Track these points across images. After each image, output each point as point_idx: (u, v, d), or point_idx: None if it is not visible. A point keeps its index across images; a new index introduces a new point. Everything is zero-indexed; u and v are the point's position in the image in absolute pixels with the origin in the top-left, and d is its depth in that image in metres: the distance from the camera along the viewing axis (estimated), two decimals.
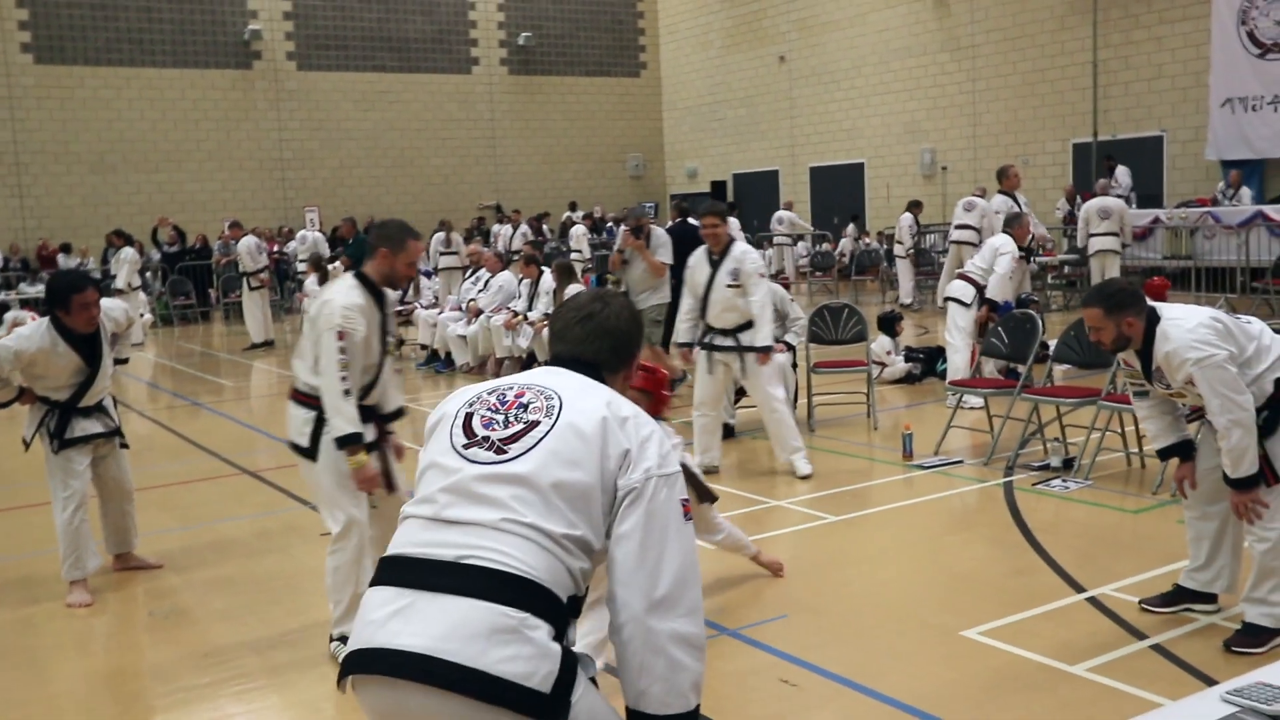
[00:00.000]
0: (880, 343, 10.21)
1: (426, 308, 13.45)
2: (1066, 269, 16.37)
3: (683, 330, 7.20)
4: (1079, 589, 4.80)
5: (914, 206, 17.52)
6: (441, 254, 16.85)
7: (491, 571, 2.09)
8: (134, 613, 5.22)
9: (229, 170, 24.20)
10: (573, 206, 25.79)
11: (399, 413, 4.62)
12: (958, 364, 8.68)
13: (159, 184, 23.43)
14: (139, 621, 5.10)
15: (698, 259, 7.10)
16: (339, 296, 4.25)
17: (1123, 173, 17.68)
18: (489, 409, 2.32)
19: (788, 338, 8.16)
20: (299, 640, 4.64)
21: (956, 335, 8.75)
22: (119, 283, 16.14)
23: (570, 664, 2.10)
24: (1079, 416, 7.26)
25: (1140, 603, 4.54)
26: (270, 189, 24.64)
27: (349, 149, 25.34)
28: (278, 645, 4.62)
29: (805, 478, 6.90)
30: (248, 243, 16.62)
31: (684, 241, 12.05)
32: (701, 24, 27.65)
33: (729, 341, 6.97)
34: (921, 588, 5.02)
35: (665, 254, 9.54)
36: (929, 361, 10.34)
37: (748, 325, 6.89)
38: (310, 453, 4.29)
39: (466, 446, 2.27)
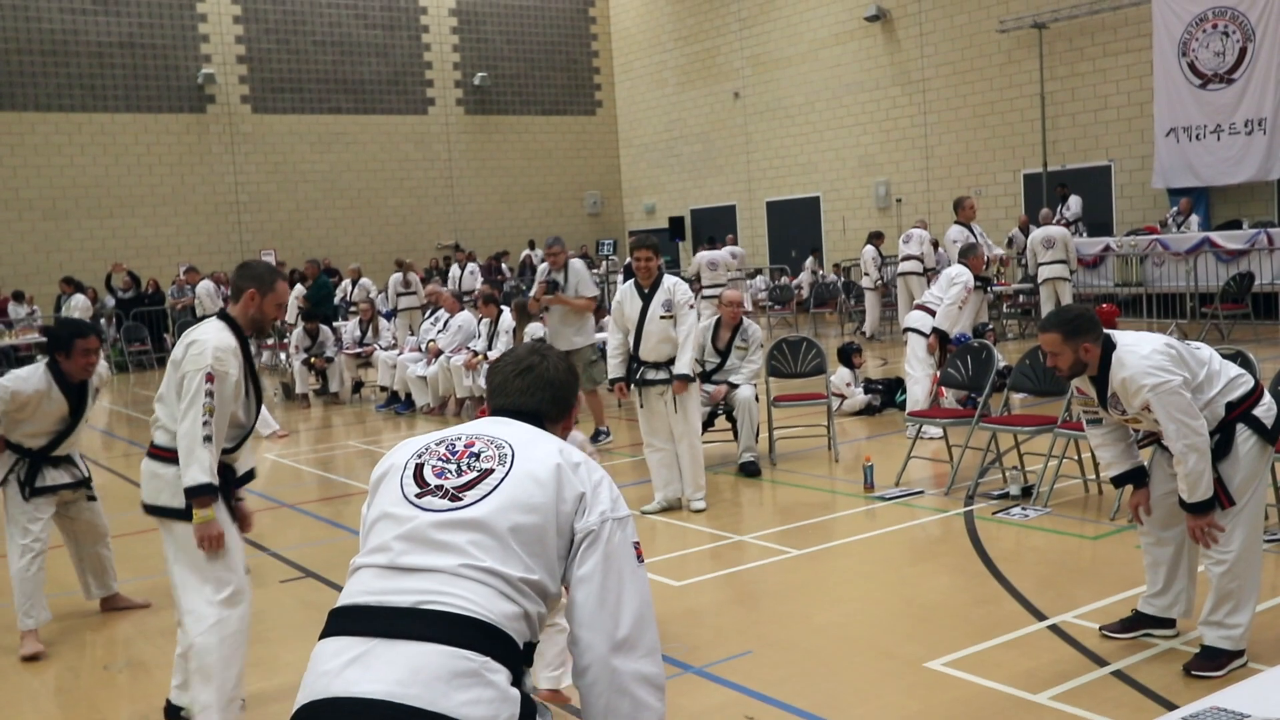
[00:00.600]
0: (840, 375, 10.28)
1: (386, 349, 13.39)
2: (1021, 298, 16.60)
3: (615, 366, 7.24)
4: (1040, 617, 4.83)
5: (875, 238, 17.71)
6: (400, 295, 16.80)
7: (451, 615, 2.08)
8: (89, 666, 5.11)
9: (184, 215, 24.04)
10: (531, 245, 25.80)
11: (250, 475, 4.38)
12: (917, 395, 8.75)
13: (112, 230, 23.22)
14: (94, 675, 5.00)
15: (627, 293, 7.17)
16: (210, 337, 3.93)
17: (1075, 201, 18.02)
18: (439, 459, 2.33)
19: (735, 378, 8.17)
20: (260, 691, 4.56)
21: (916, 366, 8.82)
22: None
23: (529, 709, 2.10)
24: (1037, 444, 7.33)
25: (1100, 629, 4.58)
26: (226, 232, 24.48)
27: (305, 191, 25.26)
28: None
29: (698, 511, 7.02)
30: (206, 286, 16.54)
31: None
32: (656, 62, 27.92)
33: (662, 374, 7.01)
34: (885, 619, 5.04)
35: (587, 286, 9.50)
36: (888, 393, 10.42)
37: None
38: (186, 513, 3.89)
39: (419, 495, 2.26)
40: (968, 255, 9.07)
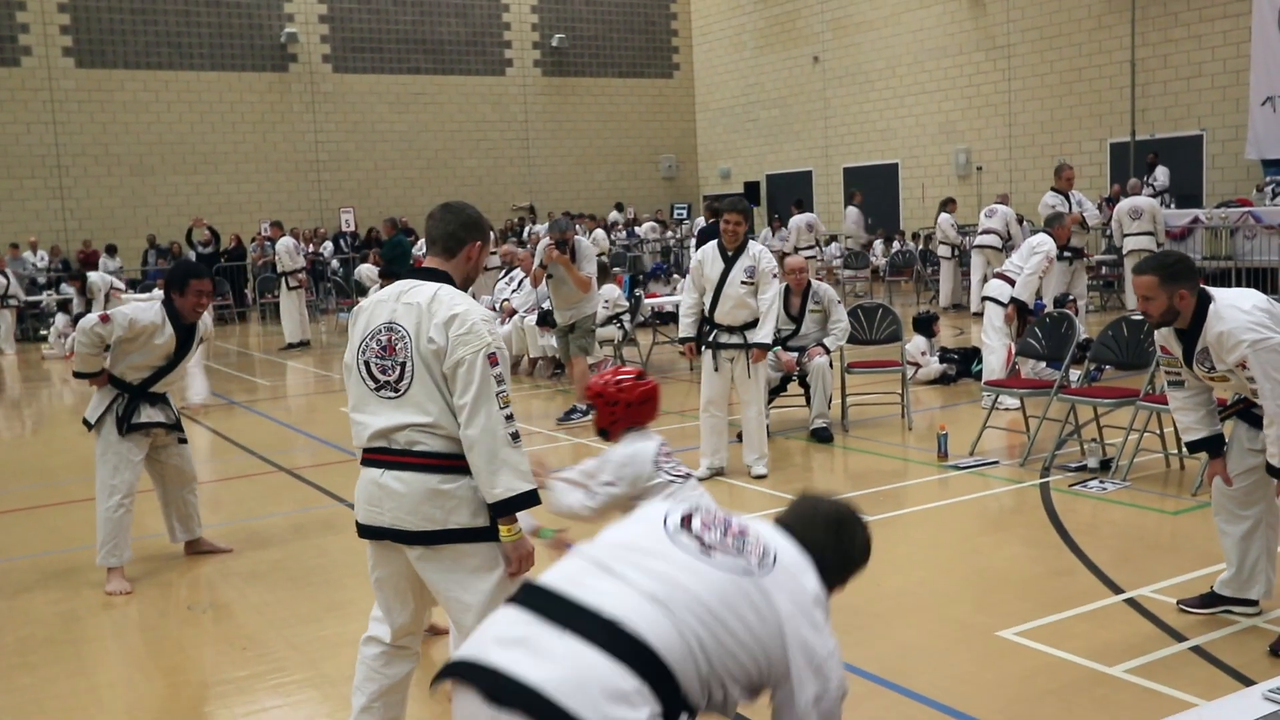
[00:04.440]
0: (915, 343, 10.16)
1: None
2: (1104, 269, 16.23)
3: (687, 325, 7.17)
4: (1117, 590, 4.75)
5: (948, 204, 17.39)
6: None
7: (626, 633, 2.09)
8: (173, 606, 5.28)
9: (265, 172, 24.44)
10: (619, 207, 26.07)
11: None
12: (993, 364, 8.63)
13: (196, 185, 23.69)
14: (178, 614, 5.16)
15: (709, 254, 7.04)
16: (467, 305, 3.14)
17: (1161, 171, 17.54)
18: (711, 520, 2.36)
19: (827, 341, 8.12)
20: (335, 634, 4.68)
21: (993, 335, 8.69)
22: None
23: None
24: (1117, 417, 7.19)
25: (1178, 603, 4.50)
26: (306, 190, 24.85)
27: (384, 151, 25.51)
28: (315, 639, 4.67)
29: (760, 477, 6.96)
30: (286, 243, 16.79)
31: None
32: (735, 25, 27.62)
33: (736, 339, 6.96)
34: (957, 588, 5.00)
35: (590, 267, 9.37)
36: (964, 362, 10.28)
37: (754, 323, 6.90)
38: (488, 533, 3.13)
39: (678, 531, 2.31)
40: (1053, 224, 8.88)
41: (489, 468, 3.02)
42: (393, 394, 3.12)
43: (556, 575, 2.25)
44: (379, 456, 3.15)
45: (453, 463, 3.09)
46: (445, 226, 3.30)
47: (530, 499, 3.07)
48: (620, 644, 2.07)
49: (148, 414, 5.52)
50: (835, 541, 2.50)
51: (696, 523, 2.33)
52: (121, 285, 17.22)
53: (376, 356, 3.16)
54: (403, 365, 3.11)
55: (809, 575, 2.35)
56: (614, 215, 25.78)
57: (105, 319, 5.33)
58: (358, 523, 3.23)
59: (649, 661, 2.07)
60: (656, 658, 2.08)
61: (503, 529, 3.11)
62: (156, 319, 5.39)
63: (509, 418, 3.05)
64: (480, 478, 3.05)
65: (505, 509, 3.06)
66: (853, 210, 19.94)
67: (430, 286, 3.18)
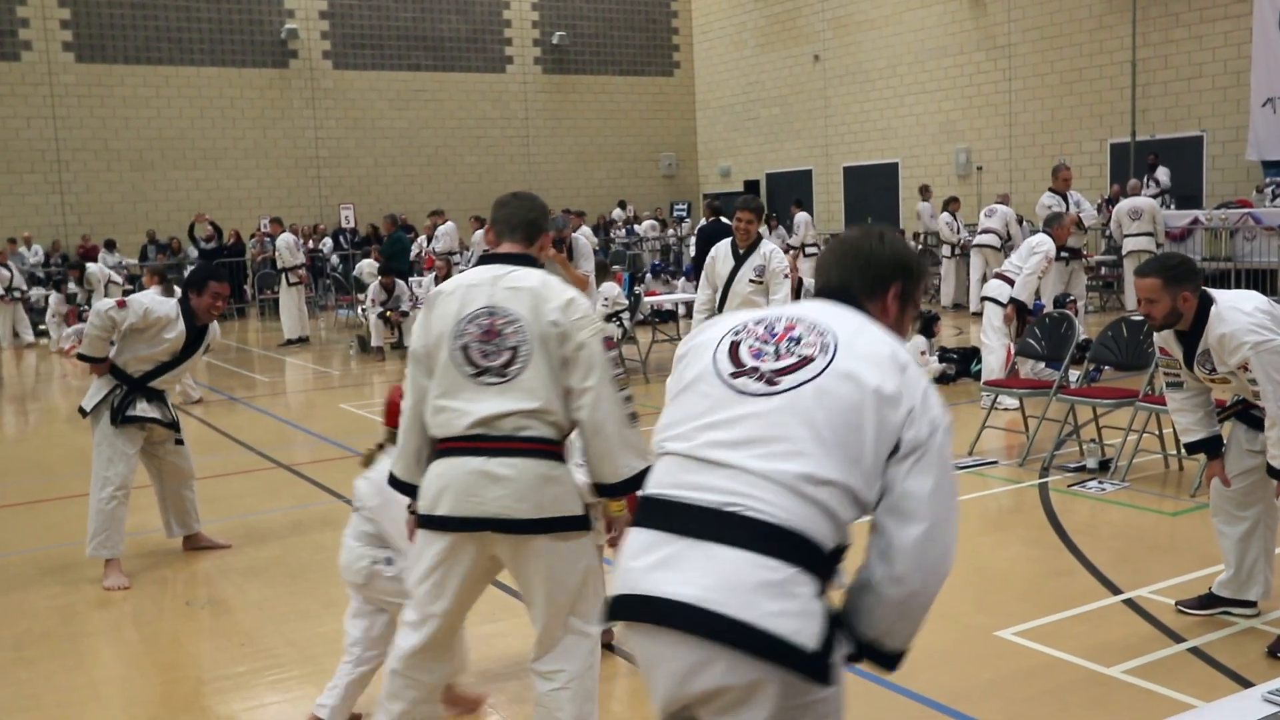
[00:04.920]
0: (915, 342, 10.15)
1: None
2: (1103, 269, 16.23)
3: (700, 321, 7.23)
4: (1115, 591, 4.76)
5: (950, 203, 17.39)
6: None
7: (757, 522, 2.00)
8: (171, 601, 5.28)
9: (265, 168, 24.41)
10: (622, 205, 26.14)
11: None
12: (992, 364, 8.63)
13: (196, 181, 23.66)
14: (176, 610, 5.16)
15: (722, 251, 7.11)
16: (576, 292, 3.14)
17: (1163, 172, 17.54)
18: (757, 339, 2.20)
19: None
20: (333, 630, 4.67)
21: (992, 335, 8.69)
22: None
23: (834, 623, 2.05)
24: (1116, 418, 7.19)
25: (1176, 605, 4.50)
26: (306, 187, 24.82)
27: (384, 147, 25.48)
28: (313, 635, 4.67)
29: None
30: (286, 239, 16.80)
31: (717, 240, 12.10)
32: (735, 23, 27.61)
33: None
34: (955, 588, 4.96)
35: (587, 265, 9.41)
36: (963, 362, 10.29)
37: None
38: (587, 520, 3.10)
39: (735, 375, 2.15)
40: (1052, 224, 8.88)
41: (618, 448, 3.03)
42: (498, 379, 3.01)
43: (663, 482, 2.14)
44: (478, 444, 3.00)
45: (557, 449, 3.06)
46: (526, 214, 3.27)
47: (647, 475, 3.06)
48: (756, 538, 2.00)
49: (142, 408, 5.51)
50: (849, 262, 2.31)
51: (744, 352, 2.18)
52: (119, 279, 17.25)
53: (478, 341, 3.03)
54: (514, 350, 3.01)
55: (868, 330, 2.18)
56: (616, 212, 25.82)
57: (122, 304, 5.38)
58: (442, 516, 3.02)
59: (785, 540, 1.99)
60: (790, 533, 2.00)
61: (614, 505, 3.19)
62: (171, 313, 5.44)
63: (629, 399, 3.08)
64: (606, 459, 3.04)
65: (626, 488, 3.05)
66: (929, 206, 19.72)
67: (532, 271, 3.14)
